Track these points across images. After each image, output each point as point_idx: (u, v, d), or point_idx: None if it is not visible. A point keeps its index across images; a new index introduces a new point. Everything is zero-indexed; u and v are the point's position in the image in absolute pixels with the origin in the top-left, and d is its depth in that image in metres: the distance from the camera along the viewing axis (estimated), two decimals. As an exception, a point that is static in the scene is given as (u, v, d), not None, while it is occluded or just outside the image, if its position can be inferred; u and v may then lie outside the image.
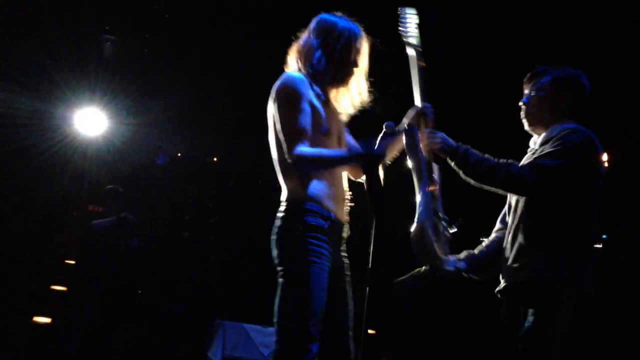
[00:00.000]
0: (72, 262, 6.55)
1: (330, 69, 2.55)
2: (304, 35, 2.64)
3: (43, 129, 6.09)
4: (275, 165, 2.55)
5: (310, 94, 2.48)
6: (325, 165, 2.50)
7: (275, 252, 2.45)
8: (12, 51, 5.68)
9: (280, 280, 2.42)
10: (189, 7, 6.36)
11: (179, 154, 7.30)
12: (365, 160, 2.35)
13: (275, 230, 2.47)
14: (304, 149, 2.40)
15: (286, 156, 2.44)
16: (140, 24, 6.37)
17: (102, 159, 6.56)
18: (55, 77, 5.82)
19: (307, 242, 2.38)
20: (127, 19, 6.25)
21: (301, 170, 2.45)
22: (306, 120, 2.44)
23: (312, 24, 2.64)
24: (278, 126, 2.46)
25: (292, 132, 2.42)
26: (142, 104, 6.54)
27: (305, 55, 2.57)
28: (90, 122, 6.15)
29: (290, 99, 2.45)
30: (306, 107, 2.45)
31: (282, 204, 2.50)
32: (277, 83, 2.52)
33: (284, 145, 2.44)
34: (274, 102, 2.50)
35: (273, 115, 2.51)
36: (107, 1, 6.03)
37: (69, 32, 5.75)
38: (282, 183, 2.53)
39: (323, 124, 2.50)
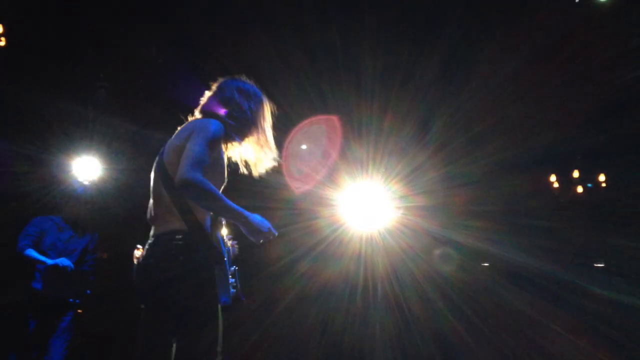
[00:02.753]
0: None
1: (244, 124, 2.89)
2: (220, 90, 2.99)
3: (40, 177, 6.10)
4: None
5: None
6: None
7: None
8: (9, 98, 5.74)
9: None
10: (180, 53, 6.49)
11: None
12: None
13: None
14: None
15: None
16: (134, 70, 6.47)
17: (97, 204, 6.56)
18: (53, 124, 5.88)
19: None
20: (120, 66, 6.35)
21: None
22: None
23: (227, 83, 3.02)
24: None
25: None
26: (136, 149, 6.59)
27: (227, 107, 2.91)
28: (85, 168, 6.19)
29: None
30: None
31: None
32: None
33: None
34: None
35: None
36: (100, 49, 6.13)
37: (65, 78, 5.83)
38: None
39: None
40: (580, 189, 7.12)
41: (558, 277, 6.60)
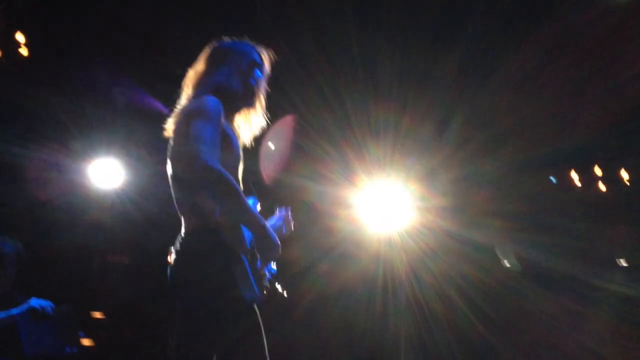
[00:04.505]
0: (98, 316, 6.53)
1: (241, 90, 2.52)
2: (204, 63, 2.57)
3: (59, 182, 6.16)
4: None
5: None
6: None
7: None
8: (30, 105, 5.81)
9: None
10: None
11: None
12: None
13: None
14: None
15: None
16: (151, 76, 6.52)
17: (118, 210, 6.60)
18: (72, 128, 5.94)
19: None
20: (138, 69, 6.39)
21: None
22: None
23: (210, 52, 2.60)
24: None
25: None
26: (155, 153, 6.63)
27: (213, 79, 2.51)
28: (106, 173, 6.24)
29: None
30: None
31: None
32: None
33: None
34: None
35: None
36: (118, 52, 6.18)
37: (84, 83, 5.89)
38: None
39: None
40: (602, 187, 7.02)
41: (581, 276, 6.52)
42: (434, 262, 6.71)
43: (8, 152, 5.64)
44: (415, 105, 5.95)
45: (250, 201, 2.41)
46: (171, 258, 2.42)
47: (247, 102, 2.59)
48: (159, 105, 6.25)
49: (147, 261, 6.83)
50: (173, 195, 2.46)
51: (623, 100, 5.92)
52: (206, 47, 2.65)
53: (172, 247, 2.43)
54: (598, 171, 7.05)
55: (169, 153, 2.49)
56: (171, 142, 2.46)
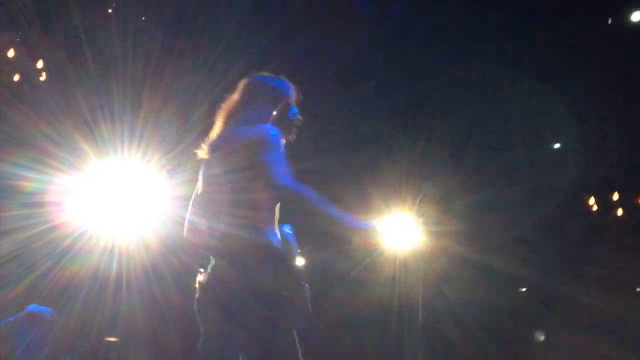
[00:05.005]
0: (112, 339, 6.51)
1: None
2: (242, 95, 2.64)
3: (77, 206, 6.20)
4: None
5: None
6: None
7: None
8: (46, 130, 5.89)
9: None
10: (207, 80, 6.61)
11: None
12: None
13: None
14: None
15: None
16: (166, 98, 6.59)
17: (133, 233, 6.63)
18: (89, 154, 5.99)
19: None
20: (156, 95, 6.47)
21: None
22: None
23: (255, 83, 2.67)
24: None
25: None
26: (171, 177, 6.67)
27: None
28: (121, 198, 6.27)
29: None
30: None
31: None
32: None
33: None
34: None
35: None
36: (136, 79, 6.27)
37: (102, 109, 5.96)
38: None
39: None
40: (620, 212, 6.94)
41: (600, 303, 6.42)
42: (449, 287, 6.66)
43: (26, 176, 5.70)
44: (430, 130, 5.97)
45: (286, 229, 2.48)
46: (202, 280, 2.43)
47: (287, 136, 2.65)
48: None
49: (162, 285, 6.83)
50: (216, 214, 2.45)
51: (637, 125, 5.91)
52: (243, 79, 2.72)
53: (202, 269, 2.45)
54: (616, 197, 6.99)
55: (206, 174, 2.53)
56: (217, 166, 2.47)
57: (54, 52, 6.03)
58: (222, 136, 2.55)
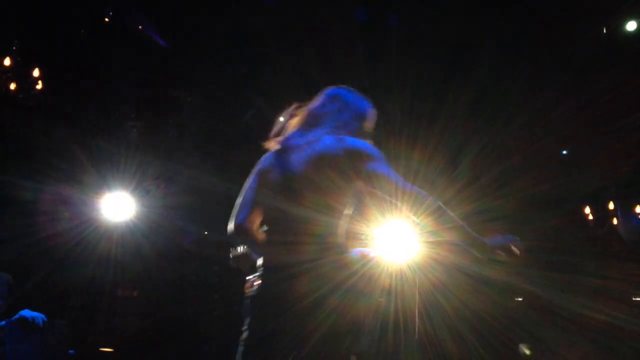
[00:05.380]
0: (107, 349, 6.48)
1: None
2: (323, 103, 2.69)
3: (70, 216, 6.19)
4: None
5: None
6: None
7: None
8: (43, 139, 5.88)
9: None
10: (208, 92, 6.61)
11: (206, 232, 7.34)
12: None
13: None
14: None
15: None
16: (163, 109, 6.60)
17: (128, 242, 6.62)
18: (85, 163, 5.99)
19: None
20: (151, 106, 6.48)
21: None
22: None
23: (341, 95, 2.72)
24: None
25: None
26: (166, 187, 6.67)
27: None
28: (116, 207, 6.27)
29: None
30: None
31: None
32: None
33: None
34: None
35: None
36: (132, 89, 6.28)
37: (97, 119, 5.96)
38: None
39: None
40: (615, 221, 6.96)
41: (595, 314, 6.41)
42: (445, 297, 6.64)
43: (22, 185, 5.69)
44: (426, 140, 5.97)
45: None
46: (254, 288, 2.44)
47: None
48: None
49: (156, 294, 6.81)
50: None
51: (633, 134, 5.92)
52: (324, 89, 2.76)
53: (253, 277, 2.47)
54: (612, 207, 7.01)
55: (281, 169, 2.55)
56: (307, 166, 2.50)
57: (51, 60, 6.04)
58: (304, 137, 2.58)
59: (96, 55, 6.09)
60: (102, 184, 6.19)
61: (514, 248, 2.59)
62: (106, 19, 6.25)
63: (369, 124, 2.76)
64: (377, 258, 2.71)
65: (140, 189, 6.40)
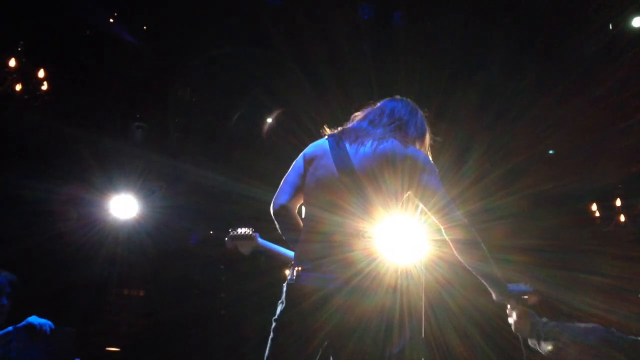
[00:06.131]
0: (113, 349, 6.50)
1: None
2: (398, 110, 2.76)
3: (77, 216, 6.21)
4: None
5: None
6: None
7: None
8: (50, 139, 5.90)
9: None
10: (213, 92, 6.61)
11: (211, 232, 7.35)
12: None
13: None
14: None
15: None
16: (169, 110, 6.61)
17: (134, 242, 6.63)
18: (91, 163, 6.01)
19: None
20: (156, 106, 6.49)
21: None
22: None
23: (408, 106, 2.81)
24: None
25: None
26: (171, 187, 6.68)
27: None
28: (123, 207, 6.29)
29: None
30: None
31: None
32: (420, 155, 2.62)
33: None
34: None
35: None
36: (136, 90, 6.29)
37: (104, 120, 5.97)
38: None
39: None
40: (622, 218, 6.91)
41: (602, 312, 6.38)
42: (452, 296, 6.62)
43: (28, 185, 5.71)
44: (432, 138, 5.95)
45: None
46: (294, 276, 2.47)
47: None
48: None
49: (162, 294, 6.81)
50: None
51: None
52: (394, 97, 2.86)
53: (295, 266, 2.55)
54: (619, 204, 6.97)
55: (342, 159, 2.57)
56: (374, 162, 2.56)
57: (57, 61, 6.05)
58: (368, 133, 2.64)
59: (101, 56, 6.10)
60: (108, 184, 6.21)
61: (526, 299, 2.73)
62: (111, 20, 6.26)
63: (425, 142, 2.84)
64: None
65: (146, 189, 6.42)
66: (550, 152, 6.80)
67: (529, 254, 6.48)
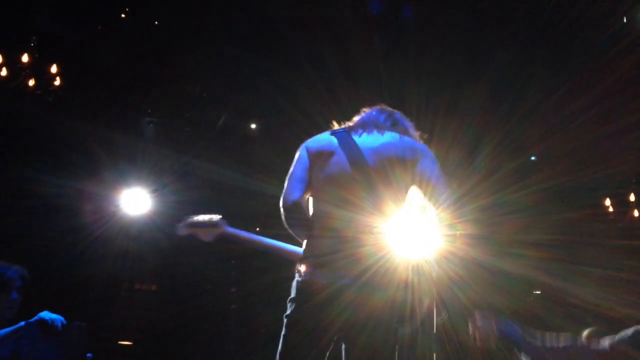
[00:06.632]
0: (126, 343, 6.54)
1: None
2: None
3: (89, 210, 6.24)
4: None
5: None
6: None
7: None
8: (62, 134, 5.93)
9: None
10: (223, 87, 6.62)
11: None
12: None
13: None
14: None
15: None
16: (179, 105, 6.62)
17: (145, 237, 6.65)
18: (102, 158, 6.04)
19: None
20: (166, 101, 6.50)
21: None
22: None
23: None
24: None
25: None
26: (182, 181, 6.69)
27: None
28: (134, 201, 6.30)
29: None
30: None
31: None
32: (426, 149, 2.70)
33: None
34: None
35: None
36: (148, 85, 6.30)
37: (115, 115, 5.99)
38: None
39: None
40: (637, 213, 6.85)
41: (613, 305, 6.33)
42: (463, 292, 6.59)
43: (40, 180, 5.74)
44: (443, 133, 5.92)
45: None
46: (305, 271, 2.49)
47: None
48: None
49: (174, 288, 6.84)
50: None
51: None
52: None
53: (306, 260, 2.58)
54: (633, 199, 6.90)
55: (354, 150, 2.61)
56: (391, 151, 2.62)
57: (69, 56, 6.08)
58: (379, 129, 2.71)
59: (113, 52, 6.12)
60: (120, 179, 6.23)
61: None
62: (123, 15, 6.28)
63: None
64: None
65: (157, 184, 6.44)
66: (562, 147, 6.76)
67: (541, 249, 6.44)
